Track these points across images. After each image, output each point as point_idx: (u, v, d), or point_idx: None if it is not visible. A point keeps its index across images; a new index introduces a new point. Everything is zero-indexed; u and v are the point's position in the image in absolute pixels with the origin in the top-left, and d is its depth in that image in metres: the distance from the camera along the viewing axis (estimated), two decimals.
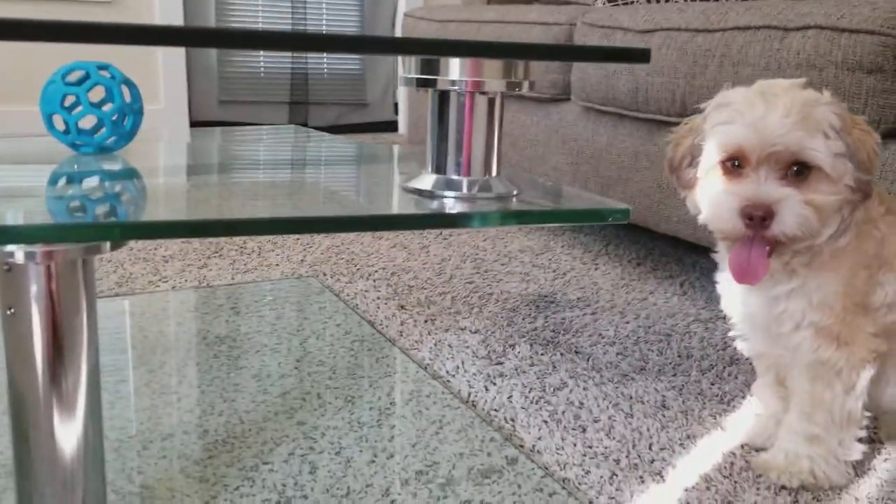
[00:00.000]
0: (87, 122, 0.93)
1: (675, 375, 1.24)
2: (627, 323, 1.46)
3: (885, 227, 0.90)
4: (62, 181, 0.81)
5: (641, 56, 0.76)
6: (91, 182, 0.81)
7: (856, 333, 0.88)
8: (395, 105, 3.98)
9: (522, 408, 1.13)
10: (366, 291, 1.61)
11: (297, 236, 2.01)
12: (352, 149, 1.23)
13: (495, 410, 1.12)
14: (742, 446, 1.04)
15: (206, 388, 1.15)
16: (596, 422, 1.09)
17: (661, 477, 0.96)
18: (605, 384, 1.21)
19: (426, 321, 1.45)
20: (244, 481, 0.93)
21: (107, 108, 0.93)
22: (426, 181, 0.83)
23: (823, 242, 0.88)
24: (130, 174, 0.88)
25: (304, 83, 3.73)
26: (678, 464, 0.99)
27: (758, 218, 0.83)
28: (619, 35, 1.63)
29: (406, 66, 0.82)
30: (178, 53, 3.36)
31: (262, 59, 3.64)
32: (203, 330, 1.36)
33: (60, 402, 0.73)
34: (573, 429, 1.07)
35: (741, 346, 1.03)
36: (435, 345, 1.35)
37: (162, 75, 3.35)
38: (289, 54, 3.64)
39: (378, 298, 1.57)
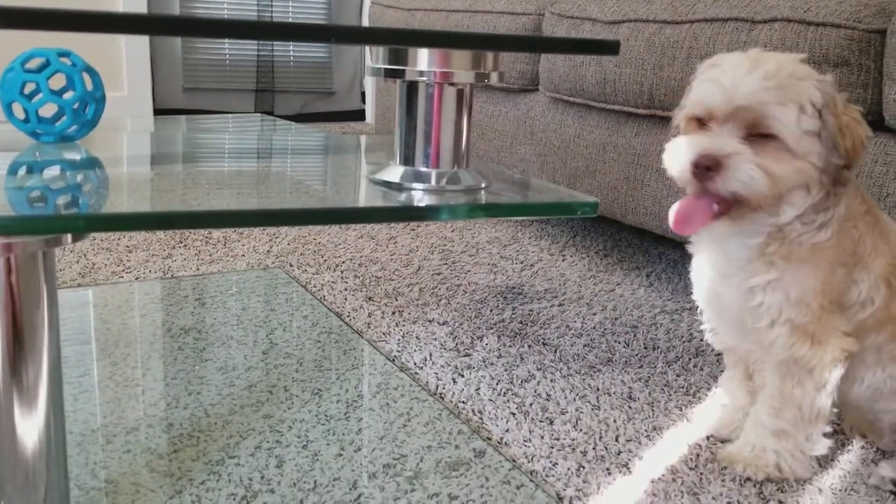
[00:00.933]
0: (48, 110, 0.91)
1: (641, 367, 1.25)
2: (594, 314, 1.46)
3: (863, 226, 0.90)
4: (22, 171, 0.79)
5: (611, 48, 0.76)
6: (52, 172, 0.80)
7: (829, 332, 0.89)
8: (363, 94, 3.96)
9: (490, 400, 1.13)
10: (333, 283, 1.59)
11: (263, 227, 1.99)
12: (319, 139, 1.22)
13: (463, 403, 1.12)
14: (707, 438, 1.04)
15: (171, 380, 1.14)
16: (563, 414, 1.10)
17: (628, 469, 0.97)
18: (572, 376, 1.21)
19: (394, 313, 1.45)
20: (210, 475, 0.92)
21: (67, 95, 0.91)
22: (394, 173, 0.82)
23: (803, 234, 0.88)
24: (92, 164, 0.86)
25: (270, 71, 3.69)
26: (645, 455, 1.00)
27: (703, 167, 0.84)
28: (588, 26, 1.62)
29: (374, 57, 0.82)
30: (141, 40, 3.31)
31: (228, 47, 3.60)
32: (168, 322, 1.35)
33: (21, 396, 0.71)
34: (540, 421, 1.07)
35: (711, 339, 1.03)
36: (403, 337, 1.34)
37: (125, 62, 3.30)
38: (254, 41, 3.60)
39: (345, 290, 1.56)
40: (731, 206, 0.86)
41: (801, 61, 0.86)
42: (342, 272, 1.66)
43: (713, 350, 1.29)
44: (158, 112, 3.46)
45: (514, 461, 0.97)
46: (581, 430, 1.05)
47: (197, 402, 1.08)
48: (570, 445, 1.01)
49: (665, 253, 1.85)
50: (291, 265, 1.69)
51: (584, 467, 0.97)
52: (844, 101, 0.87)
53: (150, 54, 3.37)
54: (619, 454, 1.00)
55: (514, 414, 1.09)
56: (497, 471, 0.95)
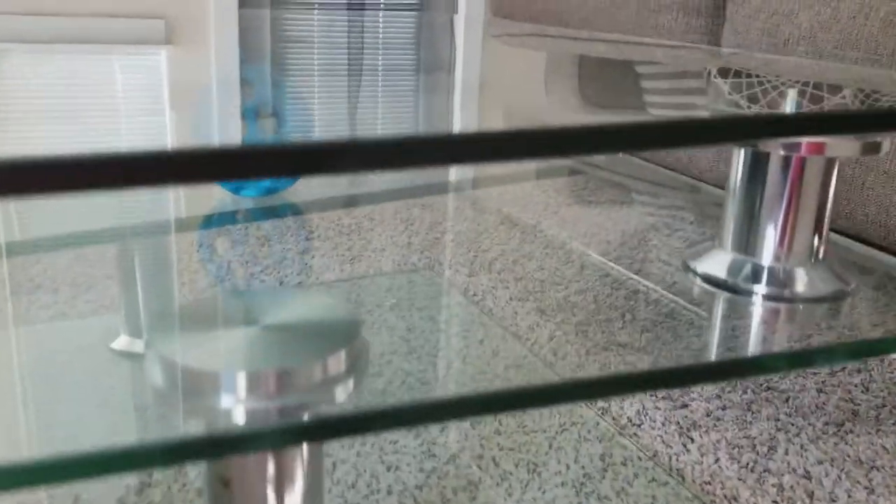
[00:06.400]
0: None
1: (895, 424, 1.05)
2: None
3: None
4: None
5: None
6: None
7: None
8: None
9: (740, 479, 0.95)
10: (493, 289, 1.41)
11: (395, 211, 1.80)
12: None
13: (707, 483, 0.94)
14: None
15: (360, 447, 0.97)
16: (834, 502, 0.91)
17: None
18: (820, 439, 1.02)
19: (577, 334, 1.26)
20: None
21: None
22: (718, 261, 0.63)
23: None
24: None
25: (359, 51, 3.50)
26: None
27: None
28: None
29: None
30: (231, 26, 3.14)
31: (316, 24, 3.41)
32: None
33: None
34: None
35: None
36: (600, 369, 1.16)
37: (214, 46, 3.16)
38: (344, 22, 3.41)
39: (510, 299, 1.37)
40: None
41: None
42: (498, 273, 1.47)
43: None
44: None
45: None
46: None
47: (399, 481, 0.92)
48: None
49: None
50: (440, 263, 1.51)
51: None
52: None
53: (238, 42, 3.23)
54: None
55: (776, 503, 0.91)
56: None
